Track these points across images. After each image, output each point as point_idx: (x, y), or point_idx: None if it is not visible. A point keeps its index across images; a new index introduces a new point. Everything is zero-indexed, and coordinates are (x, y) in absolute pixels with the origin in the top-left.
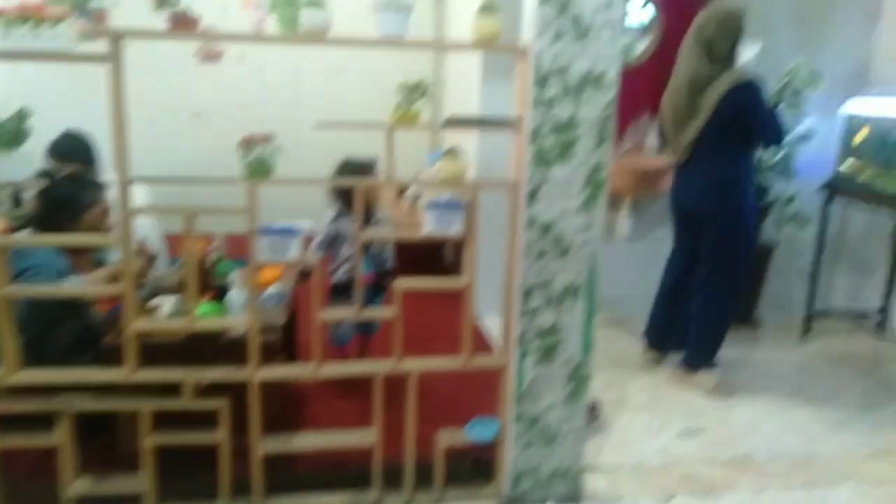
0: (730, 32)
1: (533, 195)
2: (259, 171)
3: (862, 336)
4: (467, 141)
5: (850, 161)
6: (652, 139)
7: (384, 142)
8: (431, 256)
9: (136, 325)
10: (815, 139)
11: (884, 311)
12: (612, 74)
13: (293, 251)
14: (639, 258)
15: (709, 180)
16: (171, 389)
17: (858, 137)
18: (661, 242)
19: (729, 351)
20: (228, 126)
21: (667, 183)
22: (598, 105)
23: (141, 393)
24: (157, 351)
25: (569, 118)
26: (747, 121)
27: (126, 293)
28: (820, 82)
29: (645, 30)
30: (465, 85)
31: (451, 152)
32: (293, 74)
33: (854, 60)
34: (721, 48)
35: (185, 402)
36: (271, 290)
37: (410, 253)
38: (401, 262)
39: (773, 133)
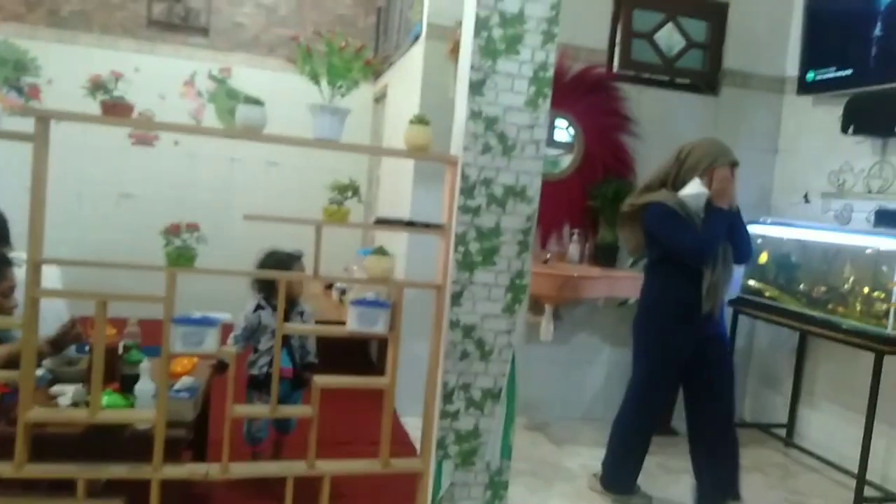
0: (689, 159)
1: (457, 298)
2: (180, 259)
3: (771, 447)
4: (397, 240)
5: (755, 280)
6: (573, 248)
7: (313, 237)
8: (358, 351)
9: (32, 413)
10: None
11: (790, 423)
12: (535, 188)
13: (210, 342)
14: (560, 363)
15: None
16: (65, 486)
17: (761, 259)
18: (583, 347)
19: (648, 458)
20: (158, 209)
21: (588, 290)
22: (520, 216)
23: (31, 489)
24: (52, 443)
25: (493, 226)
26: (654, 238)
27: (23, 378)
28: None
29: (569, 147)
30: (398, 186)
31: (380, 251)
32: (228, 163)
33: (757, 190)
34: (673, 172)
35: (77, 502)
36: (183, 382)
37: (335, 348)
38: (325, 357)
39: (682, 251)
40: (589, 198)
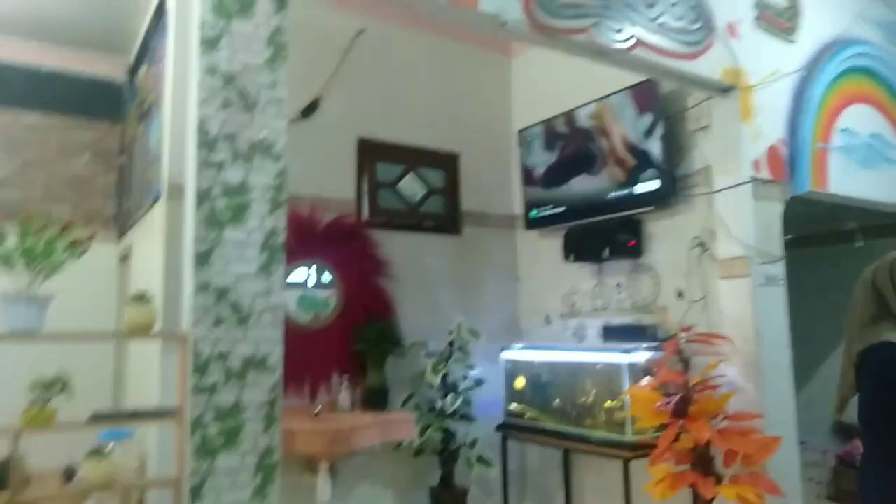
0: None
1: (197, 491)
2: None
3: None
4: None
5: (516, 404)
6: (344, 396)
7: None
8: None
9: None
10: (486, 385)
11: None
12: (276, 356)
13: None
14: None
15: None
16: None
17: (517, 383)
18: (366, 499)
19: None
20: None
21: (362, 440)
22: (263, 388)
23: None
24: None
25: (233, 403)
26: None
27: None
28: (479, 336)
29: (329, 292)
30: (146, 368)
31: (97, 453)
32: None
33: (507, 316)
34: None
35: None
36: None
37: None
38: None
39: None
40: (354, 342)
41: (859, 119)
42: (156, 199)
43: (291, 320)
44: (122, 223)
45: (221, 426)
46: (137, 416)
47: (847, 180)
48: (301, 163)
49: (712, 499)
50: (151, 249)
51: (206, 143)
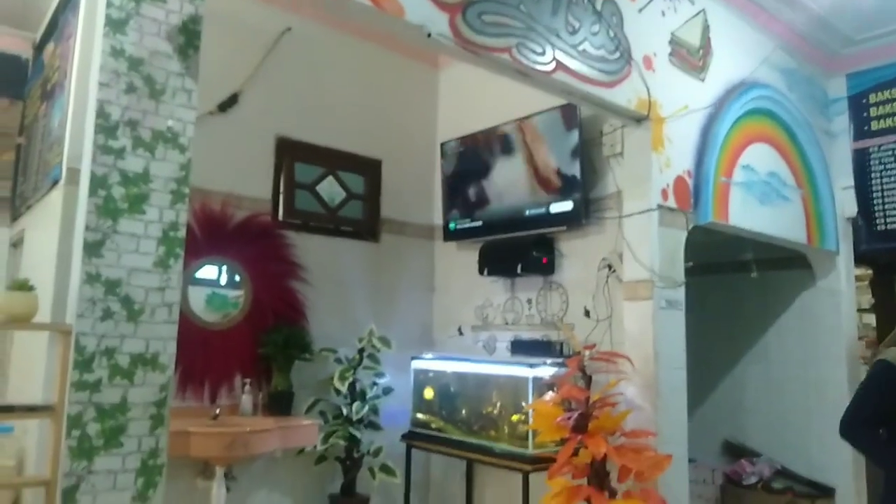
0: None
1: (71, 493)
2: None
3: None
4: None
5: (422, 413)
6: (246, 400)
7: None
8: None
9: None
10: (395, 394)
11: None
12: (168, 355)
13: None
14: None
15: None
16: None
17: (426, 392)
18: None
19: None
20: None
21: (261, 444)
22: (152, 386)
23: None
24: None
25: (118, 401)
26: None
27: None
28: (390, 344)
29: (238, 292)
30: (30, 364)
31: None
32: None
33: (419, 326)
34: None
35: None
36: None
37: None
38: None
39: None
40: (260, 345)
41: (759, 157)
42: (54, 183)
43: (195, 318)
44: (16, 206)
45: (102, 425)
46: (8, 409)
47: (746, 214)
48: (216, 157)
49: None
50: (46, 236)
51: (106, 128)
